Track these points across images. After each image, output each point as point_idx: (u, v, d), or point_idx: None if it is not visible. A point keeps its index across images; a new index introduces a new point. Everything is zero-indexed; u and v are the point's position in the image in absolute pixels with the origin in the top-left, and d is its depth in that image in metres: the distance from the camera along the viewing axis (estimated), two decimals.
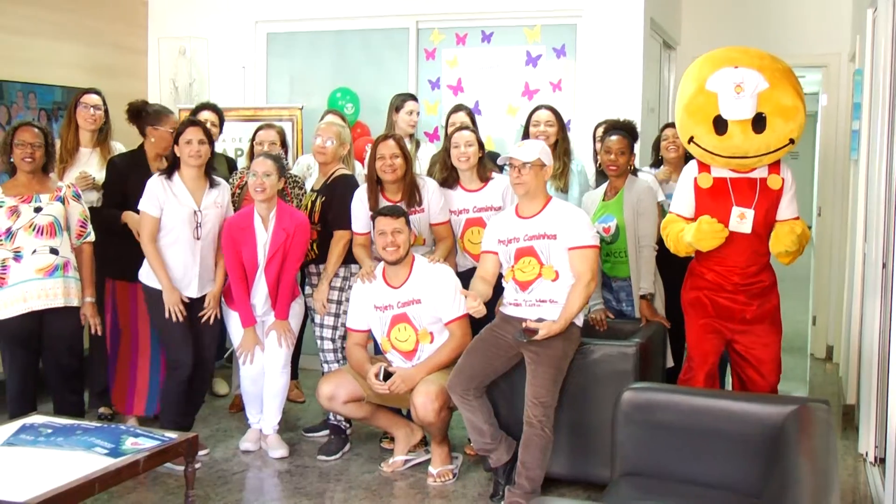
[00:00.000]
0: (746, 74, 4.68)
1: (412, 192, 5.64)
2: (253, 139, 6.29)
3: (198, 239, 5.51)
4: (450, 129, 5.96)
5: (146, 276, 5.54)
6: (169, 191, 5.43)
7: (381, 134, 5.90)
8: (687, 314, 5.15)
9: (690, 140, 4.90)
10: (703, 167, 4.96)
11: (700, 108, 4.81)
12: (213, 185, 5.58)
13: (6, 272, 5.22)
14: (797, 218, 4.91)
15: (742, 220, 4.83)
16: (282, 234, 5.49)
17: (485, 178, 5.72)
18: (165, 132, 5.79)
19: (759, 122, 4.67)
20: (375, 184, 5.64)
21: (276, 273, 5.55)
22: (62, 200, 5.38)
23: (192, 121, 5.54)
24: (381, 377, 5.27)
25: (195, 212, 5.48)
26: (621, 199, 5.57)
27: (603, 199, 5.67)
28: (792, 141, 4.73)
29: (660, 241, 5.51)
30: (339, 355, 5.79)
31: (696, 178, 4.96)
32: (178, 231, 5.46)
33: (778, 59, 4.84)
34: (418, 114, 6.68)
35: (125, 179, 5.82)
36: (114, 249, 5.79)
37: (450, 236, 5.71)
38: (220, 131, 6.57)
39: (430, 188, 5.71)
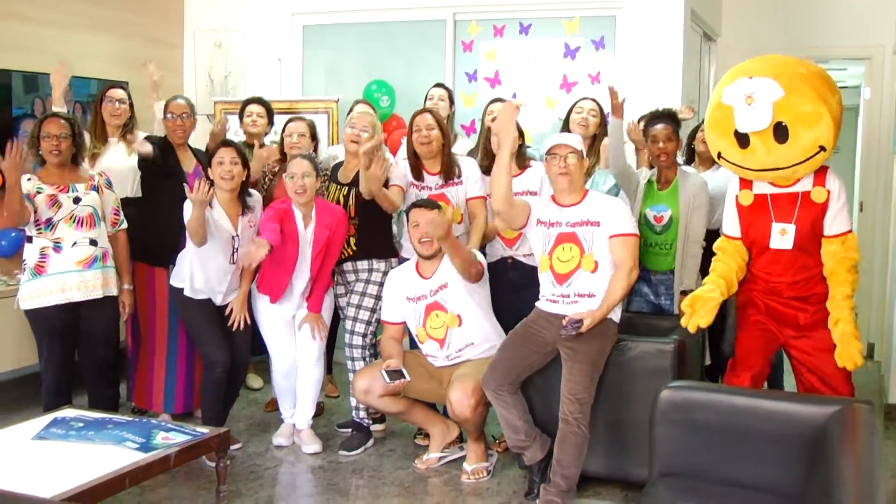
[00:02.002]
0: (759, 84, 4.56)
1: (450, 165, 5.67)
2: (283, 131, 6.27)
3: (232, 263, 5.49)
4: (487, 119, 5.93)
5: (177, 279, 5.54)
6: (209, 216, 5.31)
7: (417, 109, 5.92)
8: (740, 313, 5.04)
9: (719, 156, 4.84)
10: (745, 184, 4.83)
11: (718, 122, 4.74)
12: (246, 207, 5.49)
13: (45, 261, 5.21)
14: (847, 232, 4.67)
15: (783, 235, 4.69)
16: (325, 231, 5.46)
17: (523, 166, 5.66)
18: (167, 121, 5.90)
19: (780, 132, 4.52)
20: (415, 157, 5.69)
21: (318, 268, 5.53)
22: (97, 189, 5.37)
23: (227, 141, 5.48)
24: (387, 378, 5.23)
25: (233, 237, 5.44)
26: (676, 191, 5.50)
27: (657, 189, 5.59)
28: (823, 148, 4.55)
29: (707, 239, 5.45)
30: (367, 353, 5.73)
31: (736, 196, 4.86)
32: (214, 255, 5.41)
33: (804, 64, 4.70)
34: (445, 101, 6.57)
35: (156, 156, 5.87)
36: (135, 230, 5.76)
37: (482, 213, 5.65)
38: (271, 123, 6.56)
39: (468, 163, 5.72)
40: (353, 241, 5.73)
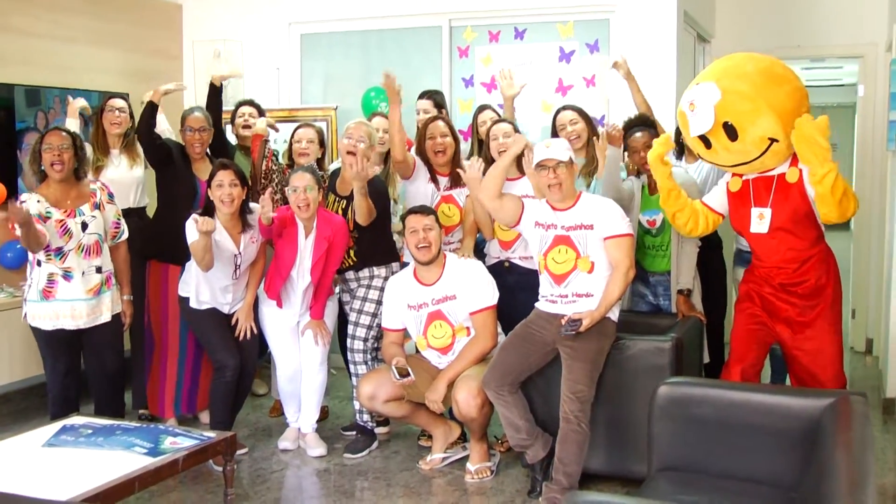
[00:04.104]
0: (700, 90, 4.67)
1: (459, 175, 5.74)
2: (292, 138, 6.33)
3: (235, 279, 5.59)
4: (481, 129, 5.99)
5: (184, 289, 5.64)
6: (211, 239, 5.39)
7: (430, 115, 6.03)
8: (737, 306, 5.11)
9: (698, 156, 4.98)
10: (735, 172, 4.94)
11: (683, 127, 4.87)
12: (247, 225, 5.56)
13: (53, 287, 5.27)
14: None
15: (761, 220, 4.78)
16: (324, 243, 5.51)
17: (523, 171, 5.70)
18: (185, 134, 5.97)
19: (730, 131, 4.62)
20: (426, 162, 5.81)
21: (319, 277, 5.59)
22: (99, 206, 5.43)
23: (224, 164, 5.50)
24: (396, 374, 5.28)
25: (235, 255, 5.52)
26: None
27: (648, 194, 5.64)
28: (774, 140, 4.60)
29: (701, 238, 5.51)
30: (369, 357, 5.79)
31: (728, 184, 4.95)
32: (217, 273, 5.50)
33: (753, 60, 4.76)
34: (432, 111, 6.47)
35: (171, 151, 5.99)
36: (149, 228, 5.94)
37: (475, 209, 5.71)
38: None
39: (473, 166, 5.74)
40: (352, 252, 5.78)
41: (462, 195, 5.80)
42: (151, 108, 5.88)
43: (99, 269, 5.38)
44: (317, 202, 5.52)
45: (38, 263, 5.28)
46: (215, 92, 6.29)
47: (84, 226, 5.31)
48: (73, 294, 5.29)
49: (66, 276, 5.27)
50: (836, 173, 4.48)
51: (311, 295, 5.66)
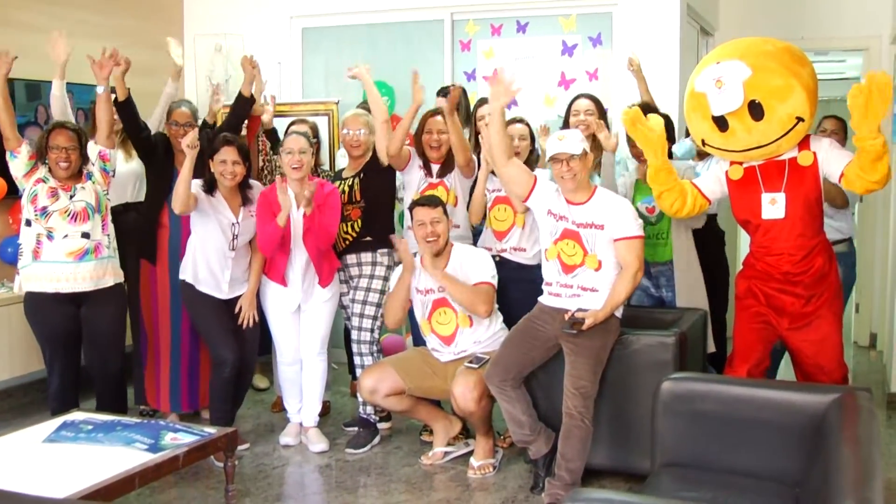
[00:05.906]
0: (726, 67, 4.61)
1: (451, 165, 5.77)
2: (286, 134, 6.30)
3: (232, 250, 5.56)
4: (479, 122, 5.94)
5: (184, 272, 5.61)
6: (208, 202, 5.46)
7: (431, 109, 5.96)
8: (738, 304, 5.06)
9: (704, 143, 4.89)
10: (734, 160, 4.90)
11: (695, 110, 4.81)
12: (247, 199, 5.58)
13: (40, 247, 5.34)
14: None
15: (773, 205, 4.73)
16: (315, 211, 5.50)
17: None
18: (171, 128, 5.97)
19: (756, 110, 4.57)
20: (421, 154, 5.81)
21: (315, 244, 5.56)
22: (90, 176, 5.48)
23: (228, 139, 5.49)
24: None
25: (233, 224, 5.51)
26: None
27: (645, 181, 5.60)
28: (800, 119, 4.58)
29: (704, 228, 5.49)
30: (375, 348, 5.79)
31: (727, 172, 4.90)
32: (215, 240, 5.51)
33: (770, 41, 4.75)
34: None
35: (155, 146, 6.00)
36: (137, 228, 5.94)
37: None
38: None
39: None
40: (356, 224, 5.80)
41: (451, 179, 5.79)
42: (122, 106, 5.75)
43: (86, 235, 5.39)
44: (310, 165, 5.58)
45: (28, 223, 5.36)
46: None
47: (72, 196, 5.37)
48: (54, 255, 5.32)
49: (49, 236, 5.33)
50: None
51: (313, 271, 5.64)
